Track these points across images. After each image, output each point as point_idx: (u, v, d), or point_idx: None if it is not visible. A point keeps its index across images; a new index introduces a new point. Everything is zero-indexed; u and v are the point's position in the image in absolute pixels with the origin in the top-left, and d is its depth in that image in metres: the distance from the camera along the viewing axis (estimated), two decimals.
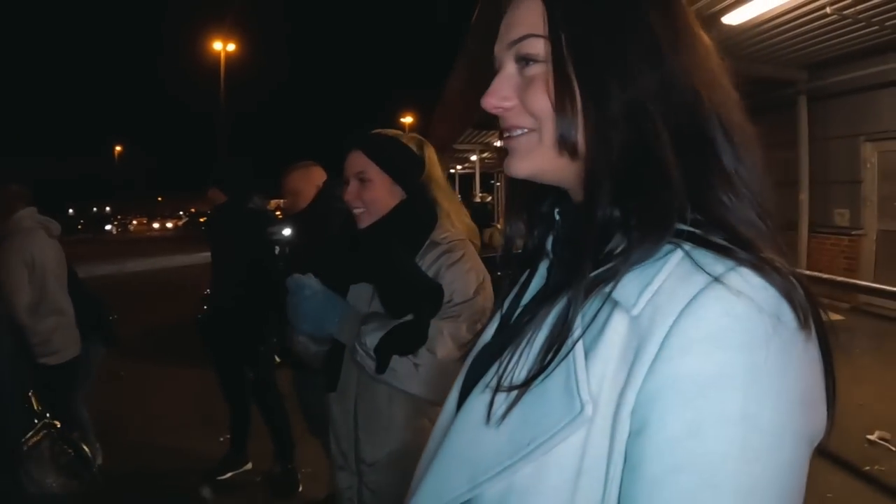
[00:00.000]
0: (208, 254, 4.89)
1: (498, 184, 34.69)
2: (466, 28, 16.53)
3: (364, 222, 2.20)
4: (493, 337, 1.05)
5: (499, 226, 8.86)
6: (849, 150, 10.18)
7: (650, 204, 0.81)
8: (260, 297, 4.45)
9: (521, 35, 0.90)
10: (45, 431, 1.58)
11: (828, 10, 7.21)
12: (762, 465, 0.68)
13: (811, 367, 0.74)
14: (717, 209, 0.81)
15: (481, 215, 16.49)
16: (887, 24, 7.91)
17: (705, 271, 0.73)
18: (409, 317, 2.02)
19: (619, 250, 0.81)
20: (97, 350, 4.76)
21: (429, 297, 2.04)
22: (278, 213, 7.57)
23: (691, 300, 0.71)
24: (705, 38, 0.91)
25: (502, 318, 1.06)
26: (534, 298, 1.00)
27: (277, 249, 4.52)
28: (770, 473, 0.68)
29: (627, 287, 0.77)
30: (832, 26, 7.89)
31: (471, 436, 0.87)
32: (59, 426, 1.62)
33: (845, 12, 7.40)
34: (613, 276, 0.78)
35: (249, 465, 4.94)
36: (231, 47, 33.21)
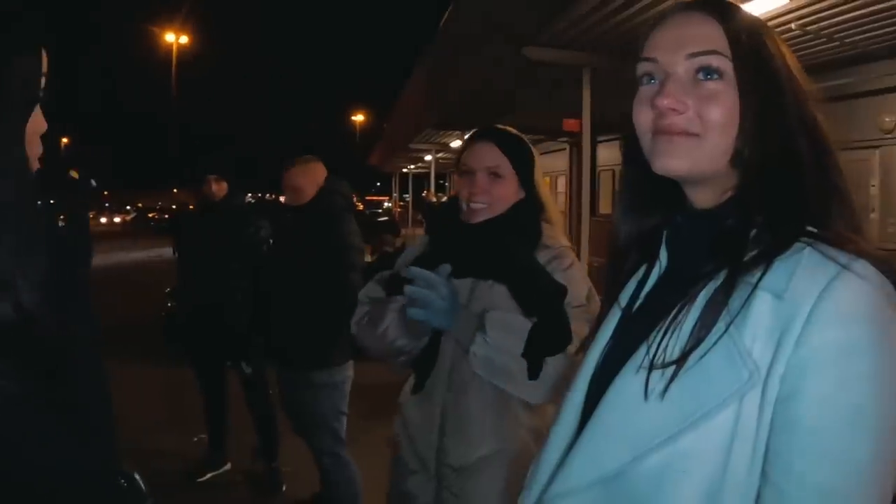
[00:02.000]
0: (162, 250, 4.83)
1: (447, 184, 34.75)
2: (429, 30, 16.53)
3: (480, 217, 2.15)
4: (622, 326, 1.16)
5: None
6: None
7: (792, 208, 0.97)
8: (254, 290, 4.46)
9: (703, 49, 1.01)
10: None
11: (792, 25, 7.41)
12: (891, 409, 0.86)
13: None
14: (828, 214, 0.97)
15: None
16: (847, 40, 8.15)
17: (834, 261, 0.89)
18: (533, 319, 1.97)
19: (762, 246, 0.96)
20: None
21: (559, 295, 1.99)
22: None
23: (828, 284, 0.87)
24: None
25: (623, 309, 1.18)
26: (659, 288, 1.13)
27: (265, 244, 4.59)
28: (893, 414, 0.86)
29: (774, 275, 0.92)
30: (796, 41, 8.08)
31: (627, 412, 0.99)
32: None
33: (808, 28, 7.61)
34: (762, 267, 0.93)
35: (228, 465, 4.91)
36: (183, 39, 32.68)
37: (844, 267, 0.88)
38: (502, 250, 2.08)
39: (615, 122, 12.88)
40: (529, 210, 2.18)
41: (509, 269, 2.06)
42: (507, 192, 2.15)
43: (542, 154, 23.64)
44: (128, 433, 5.33)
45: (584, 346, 1.21)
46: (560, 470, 1.07)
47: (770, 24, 6.26)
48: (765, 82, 1.00)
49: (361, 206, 51.52)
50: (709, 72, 1.00)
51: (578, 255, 11.69)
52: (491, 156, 2.15)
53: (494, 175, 2.14)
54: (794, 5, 6.96)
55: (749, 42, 1.01)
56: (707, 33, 1.01)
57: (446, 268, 2.00)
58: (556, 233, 2.21)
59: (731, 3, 1.06)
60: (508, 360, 1.95)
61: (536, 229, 2.16)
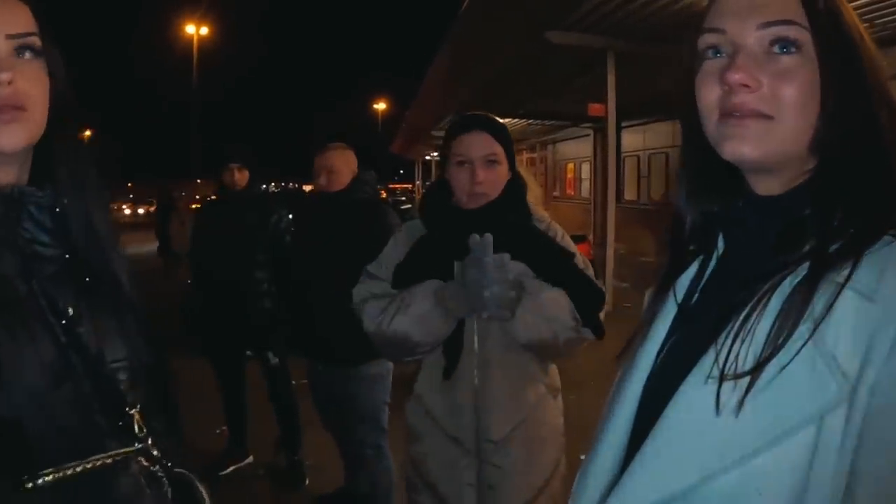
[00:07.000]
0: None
1: None
2: (452, 16, 16.49)
3: (480, 202, 2.26)
4: (678, 324, 1.04)
5: None
6: None
7: (878, 196, 0.86)
8: (277, 280, 4.42)
9: (778, 18, 0.88)
10: (138, 457, 1.13)
11: None
12: None
13: None
14: None
15: None
16: (877, 21, 7.97)
17: None
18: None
19: (843, 239, 0.84)
20: None
21: (572, 258, 2.27)
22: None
23: None
24: None
25: (679, 304, 1.06)
26: (718, 281, 1.02)
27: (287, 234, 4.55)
28: None
29: (861, 274, 0.80)
30: None
31: (695, 428, 0.88)
32: (156, 454, 1.15)
33: None
34: (849, 264, 0.81)
35: (251, 458, 4.83)
36: (204, 30, 32.75)
37: None
38: (517, 228, 2.27)
39: (640, 107, 12.75)
40: (519, 189, 2.36)
41: (527, 245, 2.25)
42: (504, 176, 2.30)
43: (566, 140, 23.68)
44: None
45: (632, 342, 1.11)
46: (616, 488, 0.96)
47: None
48: (846, 56, 0.88)
49: (384, 195, 51.47)
50: (785, 44, 0.88)
51: (604, 242, 11.62)
52: (488, 145, 2.27)
53: (492, 163, 2.27)
54: None
55: (827, 10, 0.88)
56: (781, 0, 0.89)
57: (488, 237, 2.09)
58: (538, 207, 2.43)
59: None
60: (548, 322, 2.15)
61: (527, 205, 2.36)
